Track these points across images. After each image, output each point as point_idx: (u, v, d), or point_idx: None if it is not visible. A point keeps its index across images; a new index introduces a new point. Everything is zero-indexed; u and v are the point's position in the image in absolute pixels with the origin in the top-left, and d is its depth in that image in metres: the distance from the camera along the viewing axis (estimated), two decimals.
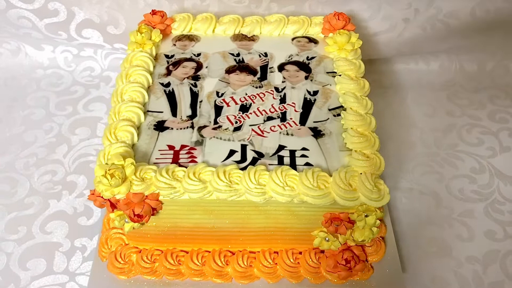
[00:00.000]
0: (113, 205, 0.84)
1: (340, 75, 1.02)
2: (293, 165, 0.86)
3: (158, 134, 0.91)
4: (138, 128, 0.92)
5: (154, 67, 1.04)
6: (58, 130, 1.30)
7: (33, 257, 1.04)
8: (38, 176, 1.19)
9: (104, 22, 1.28)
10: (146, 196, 0.83)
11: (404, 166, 1.22)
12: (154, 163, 0.87)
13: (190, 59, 1.06)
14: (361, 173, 0.84)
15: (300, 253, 0.97)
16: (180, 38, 1.12)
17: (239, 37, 1.13)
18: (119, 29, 1.30)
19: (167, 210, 0.86)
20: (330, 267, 0.94)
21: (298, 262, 0.96)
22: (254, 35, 1.13)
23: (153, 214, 0.86)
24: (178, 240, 0.95)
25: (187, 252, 0.97)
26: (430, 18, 1.30)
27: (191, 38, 1.13)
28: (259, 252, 0.97)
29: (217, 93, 0.99)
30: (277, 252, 0.97)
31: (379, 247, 0.99)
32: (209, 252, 0.97)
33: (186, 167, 0.85)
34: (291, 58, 1.07)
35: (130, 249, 0.97)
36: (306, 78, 1.02)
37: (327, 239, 0.92)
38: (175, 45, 1.11)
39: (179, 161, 0.87)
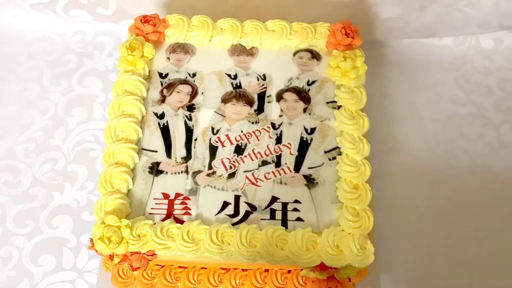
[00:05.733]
0: (112, 256, 0.89)
1: (339, 108, 0.98)
2: (284, 219, 0.90)
3: (153, 179, 0.92)
4: (133, 170, 0.93)
5: (147, 90, 1.01)
6: (54, 110, 1.28)
7: (43, 253, 1.11)
8: (39, 165, 1.21)
9: (92, 3, 1.18)
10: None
11: (397, 165, 1.21)
12: (150, 213, 0.90)
13: (185, 82, 1.02)
14: (349, 233, 0.88)
15: (289, 271, 1.04)
16: (174, 48, 1.06)
17: (237, 50, 1.05)
18: (109, 10, 1.20)
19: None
20: None
21: (286, 282, 1.04)
22: (253, 47, 1.06)
23: (150, 260, 0.92)
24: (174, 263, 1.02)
25: (185, 268, 1.04)
26: (448, 6, 1.19)
27: (186, 49, 1.06)
28: (251, 269, 1.04)
29: (212, 129, 0.97)
30: (267, 270, 1.05)
31: (363, 269, 1.06)
32: (205, 268, 1.04)
33: (181, 223, 0.88)
34: (291, 83, 1.02)
35: None
36: (305, 110, 0.99)
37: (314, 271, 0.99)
38: (169, 58, 1.05)
39: (174, 212, 0.90)
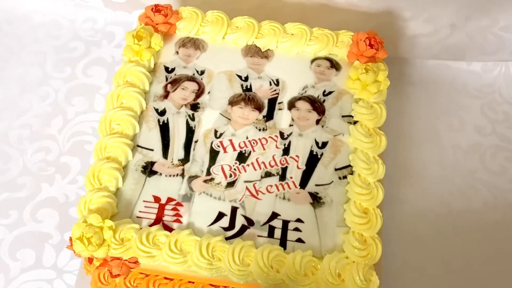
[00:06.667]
0: (91, 259, 0.82)
1: (355, 123, 0.91)
2: (283, 239, 0.82)
3: (145, 180, 0.85)
4: (125, 167, 0.86)
5: (150, 83, 0.94)
6: (54, 97, 1.22)
7: (23, 247, 1.05)
8: (31, 153, 1.15)
9: None
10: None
11: (411, 192, 1.13)
12: (137, 216, 0.82)
13: (192, 79, 0.95)
14: (353, 261, 0.80)
15: None
16: (184, 42, 0.99)
17: (251, 51, 0.98)
18: None
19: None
20: None
21: None
22: (269, 50, 0.99)
23: (131, 268, 0.84)
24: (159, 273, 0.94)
25: (171, 280, 0.96)
26: (482, 28, 1.11)
27: (196, 45, 0.99)
28: None
29: (216, 132, 0.90)
30: None
31: None
32: (193, 282, 0.96)
33: (170, 230, 0.81)
34: (305, 91, 0.95)
35: None
36: (318, 122, 0.91)
37: None
38: (177, 52, 0.98)
39: (163, 218, 0.82)
